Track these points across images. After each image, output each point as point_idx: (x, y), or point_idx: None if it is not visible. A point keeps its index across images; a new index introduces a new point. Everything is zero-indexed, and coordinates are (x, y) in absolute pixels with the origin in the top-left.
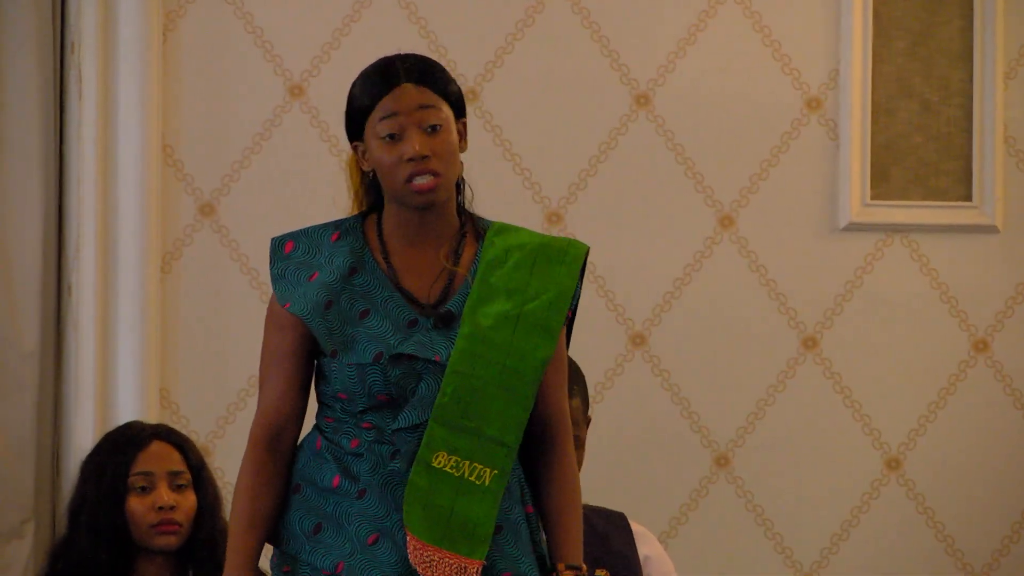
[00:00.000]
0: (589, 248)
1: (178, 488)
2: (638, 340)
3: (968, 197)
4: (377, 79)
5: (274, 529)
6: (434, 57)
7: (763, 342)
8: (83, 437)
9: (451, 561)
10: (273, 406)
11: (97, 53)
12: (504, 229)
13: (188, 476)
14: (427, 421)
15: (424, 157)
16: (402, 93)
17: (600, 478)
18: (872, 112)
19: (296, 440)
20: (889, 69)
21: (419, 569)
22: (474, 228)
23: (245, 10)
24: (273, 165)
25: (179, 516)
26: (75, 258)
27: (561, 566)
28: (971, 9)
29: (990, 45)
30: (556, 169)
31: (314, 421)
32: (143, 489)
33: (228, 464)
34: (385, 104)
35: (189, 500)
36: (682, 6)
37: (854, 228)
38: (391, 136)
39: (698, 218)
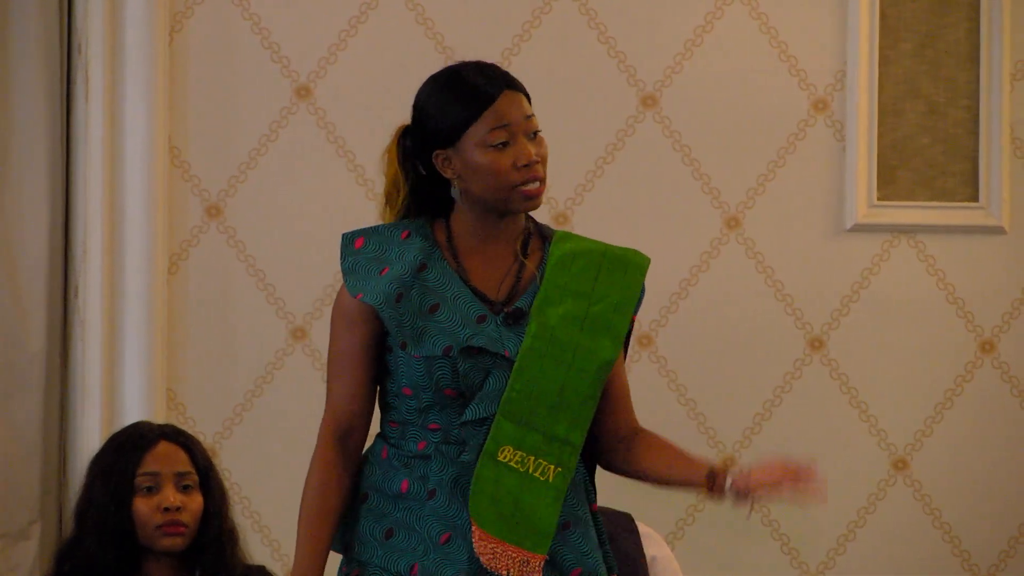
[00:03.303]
0: (650, 260)
1: (185, 489)
2: (645, 341)
3: (975, 198)
4: (477, 89)
5: (343, 539)
6: (440, 59)
7: (770, 343)
8: (90, 438)
9: (514, 554)
10: (343, 405)
11: (104, 55)
12: (569, 236)
13: (195, 477)
14: (494, 415)
15: (536, 163)
16: (511, 100)
17: (607, 479)
18: (879, 113)
19: (364, 439)
20: (896, 70)
21: (483, 560)
22: (540, 233)
23: (252, 11)
24: (280, 166)
25: (185, 517)
26: (82, 259)
27: (718, 465)
28: (978, 11)
29: (997, 47)
30: (563, 170)
31: (378, 430)
32: (149, 490)
33: (235, 465)
34: (494, 113)
35: (196, 501)
36: (689, 7)
37: (861, 229)
38: (503, 144)
39: (705, 219)
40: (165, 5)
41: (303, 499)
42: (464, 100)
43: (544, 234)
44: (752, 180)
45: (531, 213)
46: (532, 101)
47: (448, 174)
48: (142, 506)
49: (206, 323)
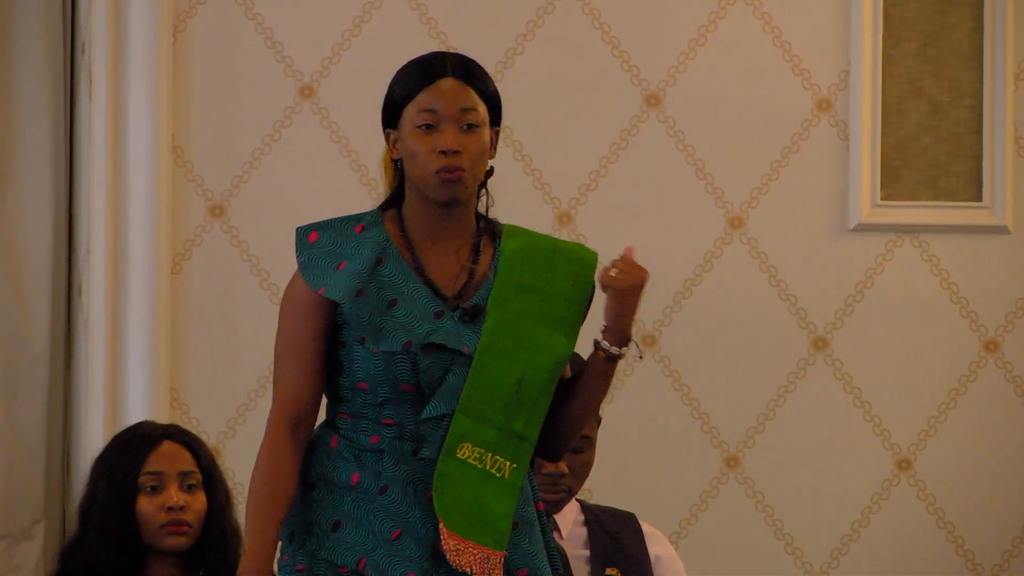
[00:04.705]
0: (597, 255)
1: (188, 488)
2: (648, 341)
3: (978, 198)
4: (422, 69)
5: (286, 529)
6: None
7: (773, 343)
8: (93, 438)
9: (475, 551)
10: (292, 395)
11: (107, 54)
12: (518, 231)
13: (199, 476)
14: (453, 412)
15: (455, 152)
16: (445, 86)
17: (610, 478)
18: (882, 113)
19: (311, 432)
20: (899, 70)
21: (449, 557)
22: (491, 230)
23: (255, 11)
24: (283, 166)
25: (189, 516)
26: (85, 259)
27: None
28: (981, 10)
29: (1000, 46)
30: (567, 170)
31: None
32: (153, 489)
33: (239, 464)
34: (427, 94)
35: (199, 500)
36: (693, 7)
37: (864, 229)
38: (427, 126)
39: (708, 219)
40: (168, 5)
41: (251, 488)
42: (405, 81)
43: (495, 231)
44: (756, 180)
45: (489, 210)
46: (536, 102)
47: (394, 155)
48: (146, 505)
49: (209, 323)
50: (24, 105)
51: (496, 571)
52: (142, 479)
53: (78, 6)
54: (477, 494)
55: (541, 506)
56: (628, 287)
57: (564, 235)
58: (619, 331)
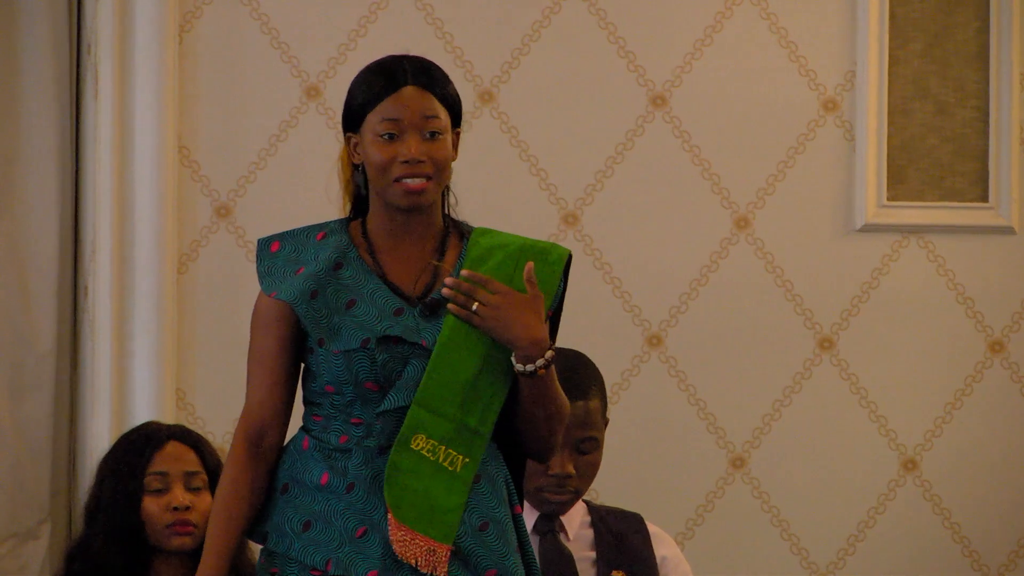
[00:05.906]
0: (571, 253)
1: (194, 489)
2: (654, 341)
3: (984, 198)
4: (381, 78)
5: (261, 530)
6: (450, 58)
7: (779, 343)
8: (99, 438)
9: (421, 543)
10: (257, 405)
11: (113, 54)
12: (488, 231)
13: (204, 477)
14: (411, 404)
15: (419, 161)
16: (406, 95)
17: (616, 479)
18: (888, 113)
19: (280, 442)
20: (905, 70)
21: (395, 547)
22: (458, 230)
23: (261, 11)
24: (289, 166)
25: (194, 517)
26: (91, 259)
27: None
28: (987, 11)
29: (1006, 46)
30: (572, 170)
31: (300, 425)
32: (158, 490)
33: None
34: (387, 104)
35: (205, 501)
36: (699, 7)
37: (870, 229)
38: (390, 135)
39: (714, 219)
40: (174, 5)
41: (215, 498)
42: (368, 86)
43: (463, 231)
44: (762, 180)
45: (455, 215)
46: (541, 102)
47: (356, 159)
48: (151, 506)
49: (216, 323)
50: (30, 105)
51: (441, 565)
52: (147, 479)
53: (84, 6)
54: (428, 486)
55: (519, 509)
56: (488, 327)
57: (570, 236)
58: (521, 351)
